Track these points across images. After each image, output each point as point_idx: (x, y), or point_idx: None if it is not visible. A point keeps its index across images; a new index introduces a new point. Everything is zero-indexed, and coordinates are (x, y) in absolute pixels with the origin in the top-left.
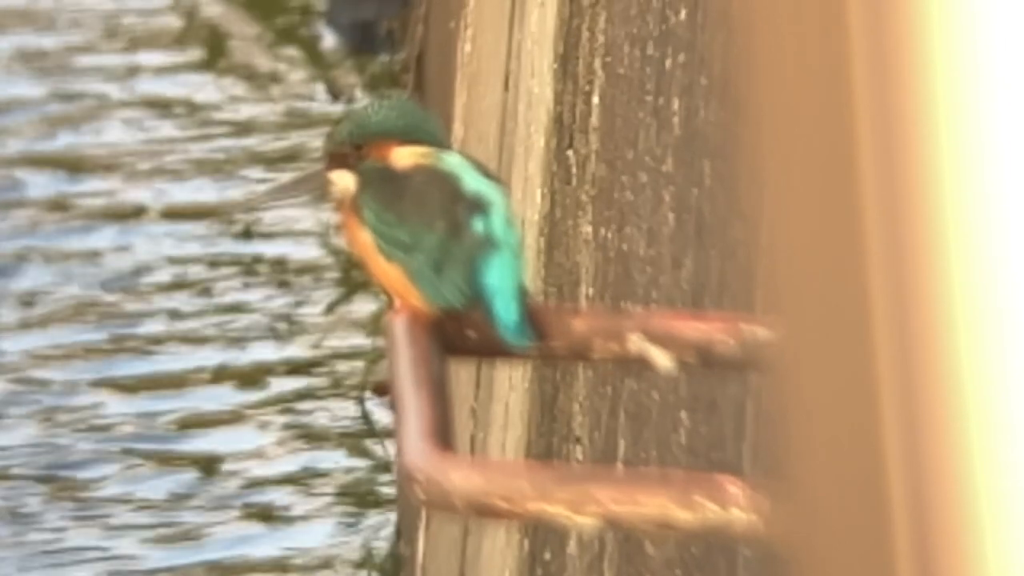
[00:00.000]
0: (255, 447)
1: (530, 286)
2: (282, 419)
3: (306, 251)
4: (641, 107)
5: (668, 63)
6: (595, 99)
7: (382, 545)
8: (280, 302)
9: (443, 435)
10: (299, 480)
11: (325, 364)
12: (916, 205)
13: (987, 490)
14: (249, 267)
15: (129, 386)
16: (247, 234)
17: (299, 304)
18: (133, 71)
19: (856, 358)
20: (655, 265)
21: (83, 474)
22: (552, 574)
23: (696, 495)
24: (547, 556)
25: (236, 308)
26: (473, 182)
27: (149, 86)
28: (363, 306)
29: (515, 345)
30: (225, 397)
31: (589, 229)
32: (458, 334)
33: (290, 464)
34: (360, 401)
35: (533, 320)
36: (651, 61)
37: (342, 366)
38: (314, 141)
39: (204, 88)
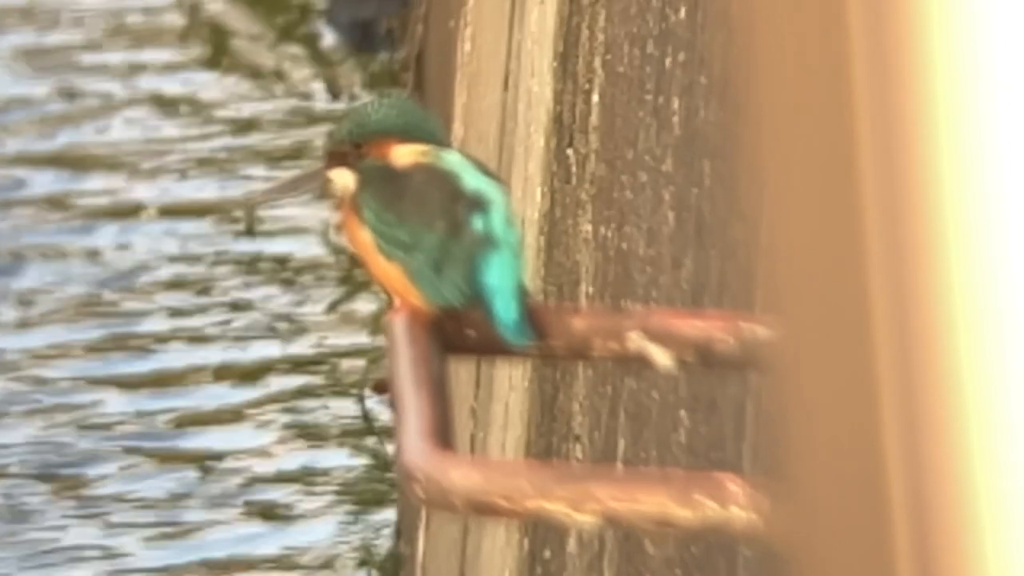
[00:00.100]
0: (255, 446)
1: (530, 285)
2: (282, 418)
3: (308, 249)
4: (641, 106)
5: (668, 62)
6: (595, 98)
7: (382, 544)
8: (281, 300)
9: (443, 434)
10: (299, 479)
11: (326, 362)
12: (916, 205)
13: (987, 490)
14: (250, 265)
15: (130, 384)
16: (249, 232)
17: (300, 303)
18: (136, 69)
19: (856, 358)
20: (655, 264)
21: (83, 472)
22: (552, 573)
23: (696, 493)
24: (547, 555)
25: (237, 306)
26: (473, 181)
27: (152, 84)
28: (364, 304)
29: (515, 344)
30: (225, 395)
31: (589, 228)
32: (458, 333)
33: (290, 463)
34: (360, 400)
35: (533, 319)
36: (651, 60)
37: (343, 364)
38: (317, 139)
39: (207, 86)
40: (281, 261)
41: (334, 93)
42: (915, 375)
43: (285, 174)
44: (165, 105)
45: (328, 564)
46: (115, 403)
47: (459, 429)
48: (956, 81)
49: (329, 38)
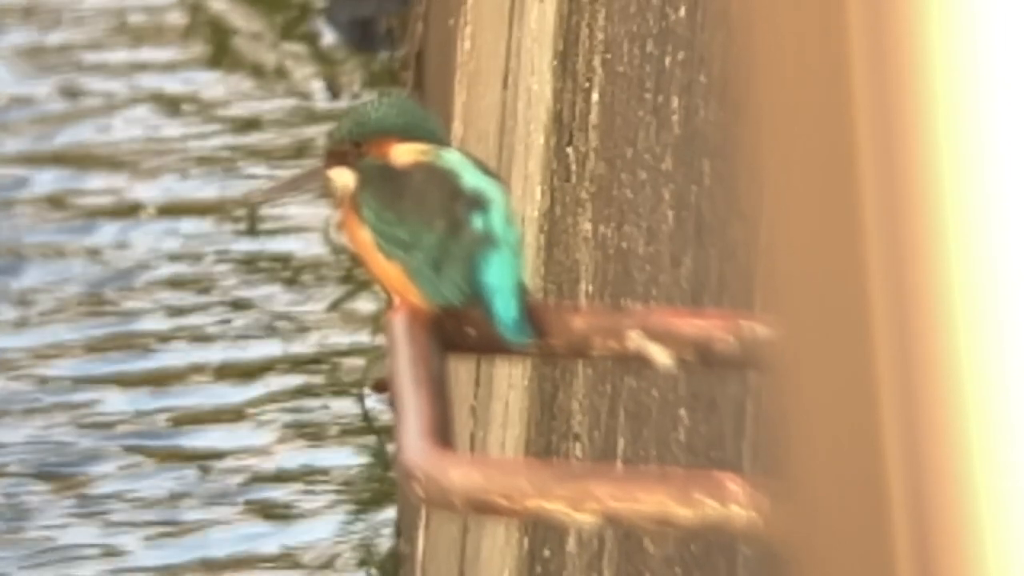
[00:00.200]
0: (255, 444)
1: (529, 284)
2: (283, 417)
3: (309, 248)
4: (640, 105)
5: (667, 61)
6: (594, 97)
7: (382, 543)
8: (282, 299)
9: (443, 433)
10: (299, 477)
11: (326, 361)
12: (916, 205)
13: (987, 490)
14: (251, 264)
15: (130, 383)
16: (251, 232)
17: (301, 301)
18: (137, 68)
19: (856, 358)
20: (654, 263)
21: (83, 471)
22: (551, 572)
23: (695, 492)
24: (546, 554)
25: (238, 305)
26: (472, 180)
27: (153, 82)
28: (365, 304)
29: (515, 343)
30: (226, 394)
31: (589, 227)
32: (458, 332)
33: (290, 461)
34: (360, 398)
35: (532, 318)
36: (650, 59)
37: (344, 363)
38: (319, 138)
39: (208, 84)
40: (282, 260)
41: (334, 92)
42: (915, 375)
43: (286, 173)
44: (166, 104)
45: (328, 563)
46: (115, 402)
47: (459, 428)
48: (956, 81)
49: (329, 37)
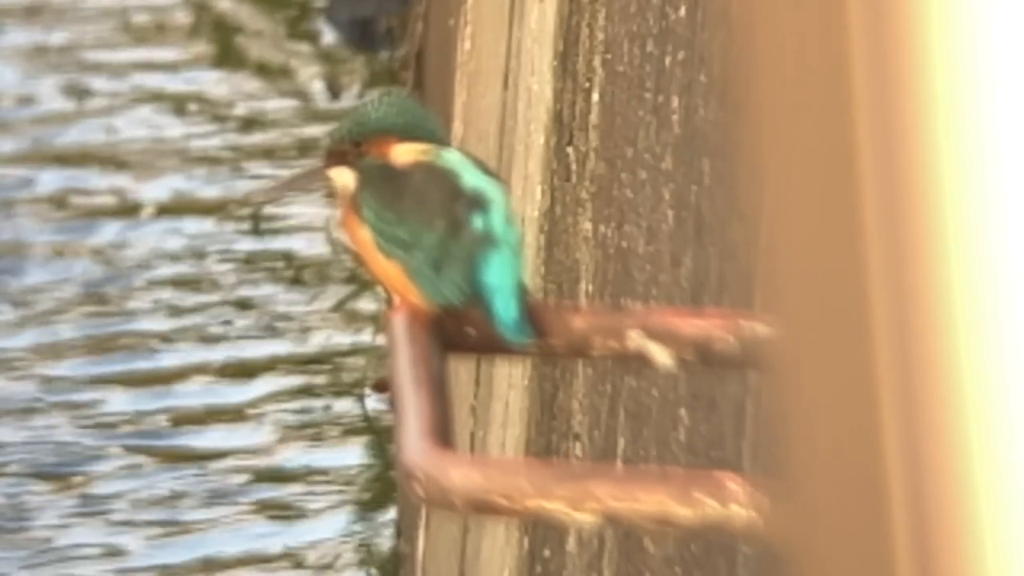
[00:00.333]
0: (256, 444)
1: (530, 283)
2: (284, 417)
3: (311, 247)
4: (641, 105)
5: (668, 61)
6: (595, 97)
7: (382, 543)
8: (284, 299)
9: (443, 433)
10: (300, 478)
11: (328, 361)
12: (916, 205)
13: (987, 490)
14: (253, 263)
15: (131, 382)
16: (256, 231)
17: (302, 301)
18: (140, 67)
19: (856, 358)
20: (654, 263)
21: (84, 471)
22: (552, 572)
23: (695, 492)
24: (547, 554)
25: (239, 304)
26: (473, 179)
27: (157, 82)
28: (366, 303)
29: (515, 342)
30: (227, 394)
31: (589, 226)
32: (458, 332)
33: (291, 461)
34: (360, 398)
35: (533, 317)
36: (651, 59)
37: (345, 363)
38: (322, 137)
39: (213, 84)
40: (284, 259)
41: (334, 92)
42: (915, 375)
43: (288, 172)
44: (171, 103)
45: (328, 563)
46: (117, 402)
47: (459, 427)
48: (956, 81)
49: (329, 36)
